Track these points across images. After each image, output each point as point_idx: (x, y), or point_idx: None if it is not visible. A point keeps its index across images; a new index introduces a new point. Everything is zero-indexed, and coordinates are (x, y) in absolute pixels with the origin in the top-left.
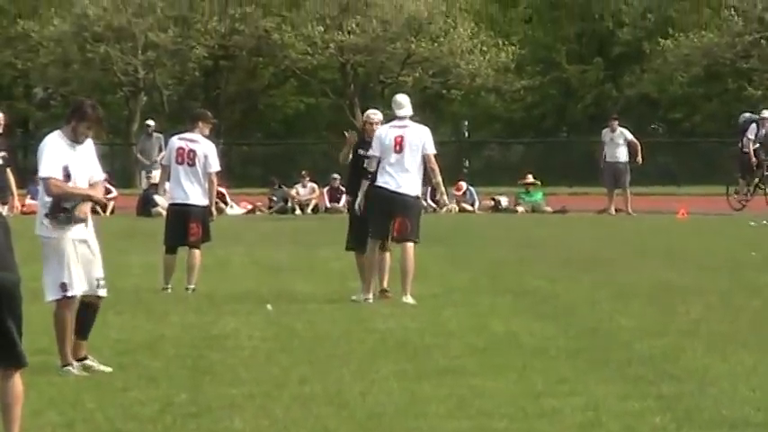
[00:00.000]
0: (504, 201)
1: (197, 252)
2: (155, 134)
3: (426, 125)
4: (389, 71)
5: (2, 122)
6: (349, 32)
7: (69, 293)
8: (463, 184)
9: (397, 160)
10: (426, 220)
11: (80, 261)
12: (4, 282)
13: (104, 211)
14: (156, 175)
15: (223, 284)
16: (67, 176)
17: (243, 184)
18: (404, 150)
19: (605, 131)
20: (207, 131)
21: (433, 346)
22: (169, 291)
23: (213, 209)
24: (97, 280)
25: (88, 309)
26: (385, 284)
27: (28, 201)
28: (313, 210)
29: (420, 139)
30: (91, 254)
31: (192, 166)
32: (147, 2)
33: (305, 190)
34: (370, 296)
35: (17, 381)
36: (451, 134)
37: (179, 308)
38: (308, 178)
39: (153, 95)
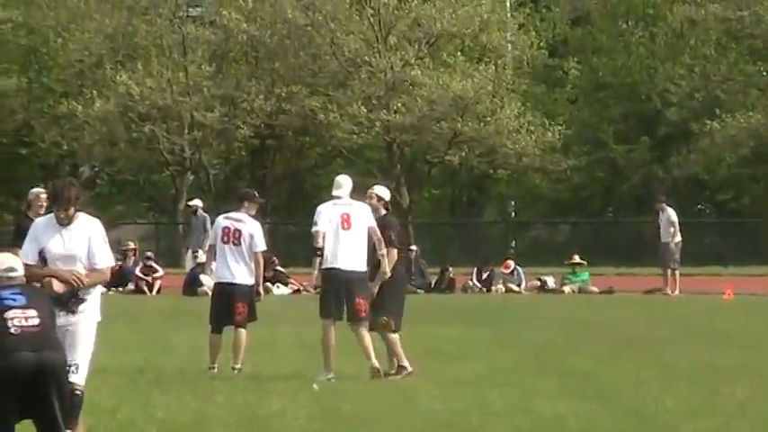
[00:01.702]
0: (550, 281)
1: (243, 332)
2: (200, 212)
3: (471, 205)
4: (436, 150)
5: (44, 202)
6: (395, 112)
7: None
8: (511, 263)
9: (346, 237)
10: (472, 300)
11: None
12: (51, 361)
13: (151, 291)
14: (201, 254)
15: (269, 364)
16: (43, 260)
17: (289, 263)
18: (352, 227)
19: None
20: (253, 211)
21: (478, 427)
22: (215, 370)
23: (261, 288)
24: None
25: None
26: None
27: None
28: None
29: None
30: (71, 338)
31: (237, 245)
32: (192, 81)
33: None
34: (331, 374)
35: None
36: (498, 214)
37: (225, 387)
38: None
39: (199, 174)
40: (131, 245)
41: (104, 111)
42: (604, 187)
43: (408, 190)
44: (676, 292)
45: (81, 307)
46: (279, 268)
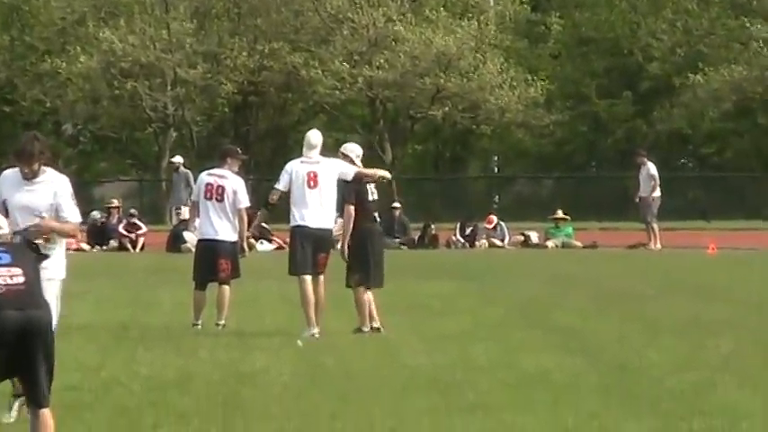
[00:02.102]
0: (534, 236)
1: (227, 288)
2: (181, 169)
3: (455, 160)
4: (419, 106)
5: None
6: (378, 68)
7: None
8: (494, 218)
9: (312, 196)
10: (456, 256)
11: None
12: (36, 319)
13: (134, 248)
14: (185, 211)
15: (253, 320)
16: (5, 212)
17: (272, 220)
18: (318, 185)
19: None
20: (236, 167)
21: (463, 382)
22: (199, 327)
23: (245, 245)
24: None
25: None
26: (376, 323)
27: None
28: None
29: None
30: None
31: (220, 201)
32: (175, 38)
33: (335, 225)
34: (315, 330)
35: (47, 418)
36: (481, 169)
37: (209, 344)
38: (336, 214)
39: (182, 131)
40: (114, 202)
41: (87, 68)
42: (587, 142)
43: (391, 146)
44: (658, 245)
45: (44, 264)
46: (263, 224)
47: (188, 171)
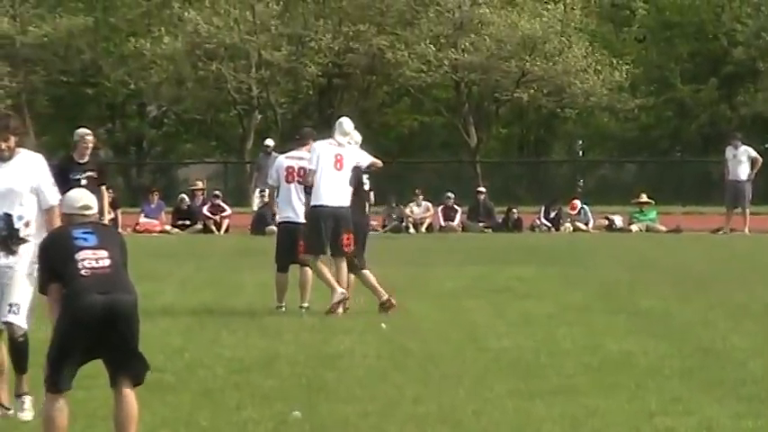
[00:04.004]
0: (617, 220)
1: (308, 270)
2: (273, 153)
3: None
4: (504, 90)
5: (90, 144)
6: (463, 51)
7: None
8: (577, 203)
9: (337, 177)
10: (540, 239)
11: None
12: (121, 303)
13: (219, 230)
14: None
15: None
16: None
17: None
18: (343, 169)
19: (728, 149)
20: None
21: (546, 365)
22: (283, 309)
23: None
24: (9, 305)
25: (9, 341)
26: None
27: (142, 219)
28: (427, 228)
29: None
30: (9, 280)
31: (301, 183)
32: (260, 20)
33: (419, 209)
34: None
35: (132, 400)
36: (565, 153)
37: (293, 326)
38: (421, 197)
39: (267, 114)
40: (199, 184)
41: (171, 49)
42: (672, 127)
43: (476, 129)
44: (746, 230)
45: (21, 248)
46: None
47: (278, 155)
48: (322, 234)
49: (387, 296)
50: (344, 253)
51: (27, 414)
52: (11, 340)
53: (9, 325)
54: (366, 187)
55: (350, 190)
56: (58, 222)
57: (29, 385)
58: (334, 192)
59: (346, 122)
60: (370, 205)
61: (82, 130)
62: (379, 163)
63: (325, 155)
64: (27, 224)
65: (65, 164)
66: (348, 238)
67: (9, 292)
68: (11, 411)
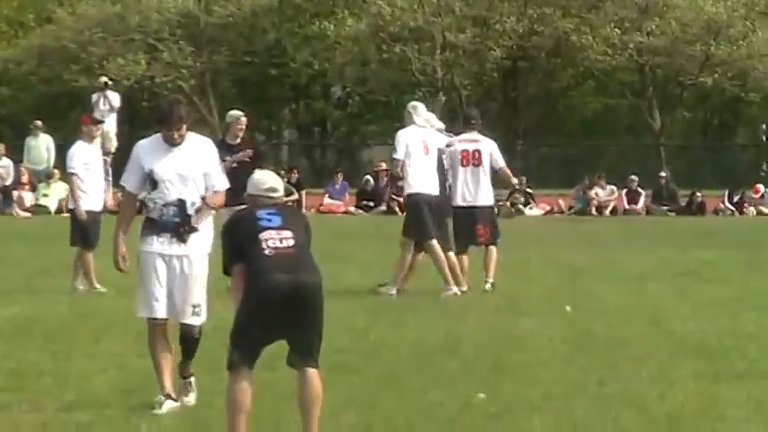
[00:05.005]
0: None
1: (493, 249)
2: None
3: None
4: (688, 73)
5: (243, 125)
6: (648, 34)
7: (146, 315)
8: (761, 187)
9: (426, 162)
10: (724, 223)
11: (163, 280)
12: (305, 283)
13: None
14: None
15: (522, 285)
16: (153, 183)
17: (541, 185)
18: (429, 153)
19: None
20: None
21: (731, 349)
22: (466, 291)
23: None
24: (193, 307)
25: (182, 338)
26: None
27: (326, 200)
28: (611, 212)
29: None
30: (184, 275)
31: (477, 166)
32: (444, 2)
33: (604, 192)
34: (456, 289)
35: (316, 381)
36: (749, 137)
37: (477, 308)
38: (603, 180)
39: (451, 96)
40: (383, 165)
41: (356, 31)
42: None
43: (660, 112)
44: None
45: (192, 236)
46: (528, 189)
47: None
48: (427, 220)
49: (454, 287)
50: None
51: (191, 397)
52: (187, 336)
53: (189, 326)
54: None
55: (436, 175)
56: (219, 204)
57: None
58: (428, 179)
59: (421, 106)
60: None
61: (236, 112)
62: (455, 141)
63: (413, 142)
64: (197, 210)
65: (216, 146)
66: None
67: (189, 290)
68: (177, 403)
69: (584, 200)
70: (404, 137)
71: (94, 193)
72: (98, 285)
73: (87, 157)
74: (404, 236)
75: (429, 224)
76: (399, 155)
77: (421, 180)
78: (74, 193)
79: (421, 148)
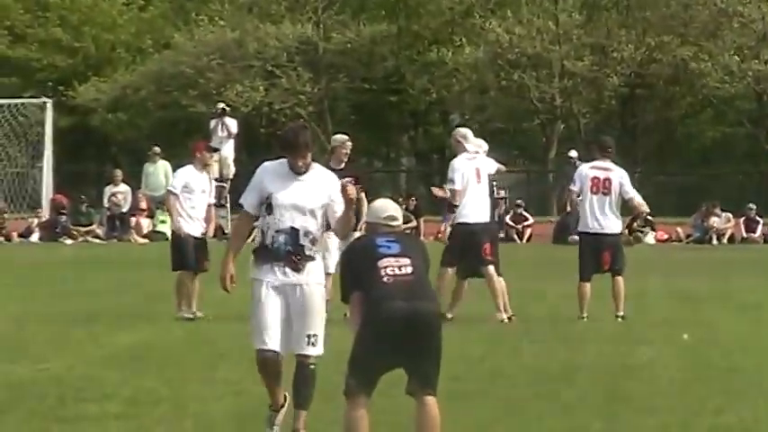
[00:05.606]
0: None
1: (619, 279)
2: (576, 163)
3: None
4: None
5: (348, 150)
6: (765, 62)
7: (258, 345)
8: None
9: (479, 191)
10: None
11: (276, 310)
12: (423, 311)
13: (521, 239)
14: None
15: (639, 313)
16: (269, 208)
17: (658, 212)
18: (481, 181)
19: None
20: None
21: None
22: (585, 319)
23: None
24: (308, 337)
25: (297, 369)
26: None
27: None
28: (729, 240)
29: None
30: (302, 304)
31: (606, 194)
32: (562, 29)
33: (720, 220)
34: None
35: (434, 409)
36: None
37: (595, 336)
38: (718, 208)
39: (569, 123)
40: (501, 193)
41: (474, 58)
42: None
43: None
44: None
45: (308, 265)
46: (649, 217)
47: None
48: (465, 252)
49: (505, 314)
50: (489, 262)
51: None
52: (302, 369)
53: (305, 356)
54: (501, 194)
55: (488, 201)
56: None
57: (306, 423)
58: (480, 207)
59: (470, 133)
60: (500, 214)
61: (341, 136)
62: (503, 167)
63: (468, 171)
64: (313, 241)
65: None
66: (491, 248)
67: (305, 320)
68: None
69: (702, 228)
70: (458, 166)
71: (194, 218)
72: (198, 312)
73: (192, 182)
74: (443, 265)
75: (459, 255)
76: (457, 185)
77: (473, 209)
78: (170, 211)
79: (474, 176)
